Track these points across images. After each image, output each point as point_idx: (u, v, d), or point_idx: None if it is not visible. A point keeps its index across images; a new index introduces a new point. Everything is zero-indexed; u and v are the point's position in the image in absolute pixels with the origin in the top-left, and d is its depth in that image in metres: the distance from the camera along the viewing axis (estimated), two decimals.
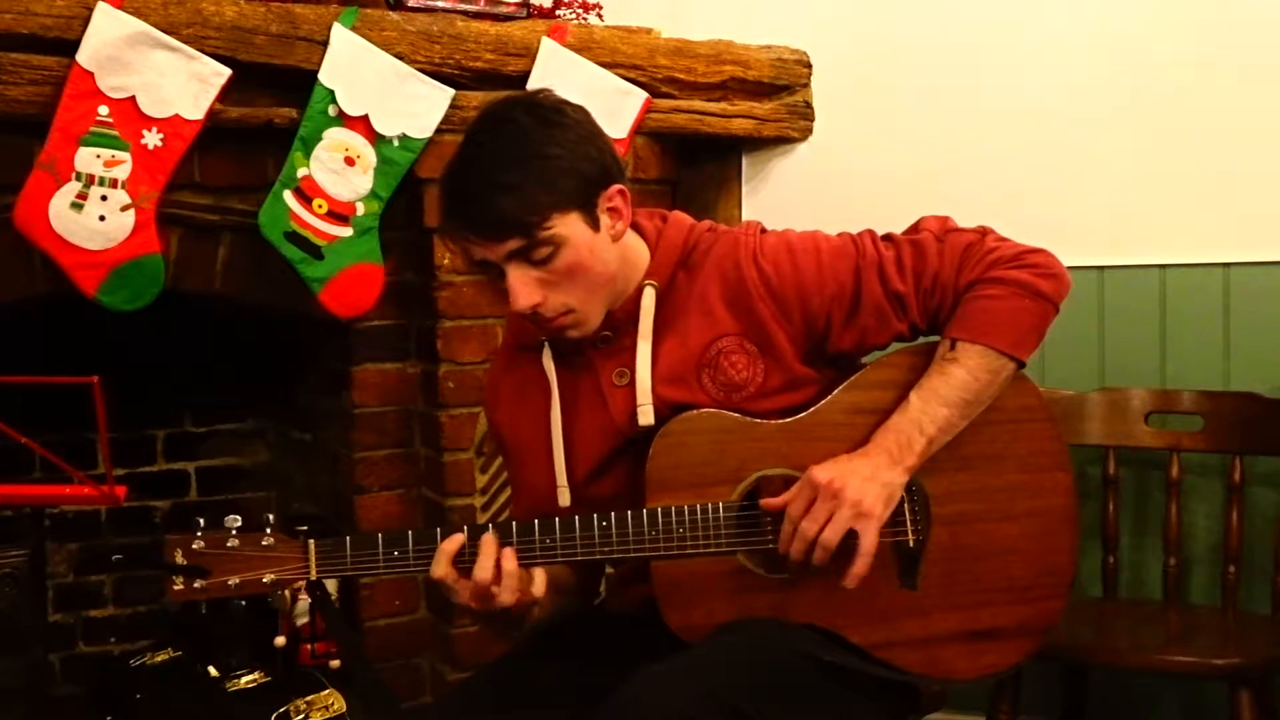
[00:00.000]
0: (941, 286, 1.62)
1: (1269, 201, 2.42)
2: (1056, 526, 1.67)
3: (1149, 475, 2.52)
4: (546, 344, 1.65)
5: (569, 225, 1.52)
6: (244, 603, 2.57)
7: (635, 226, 1.66)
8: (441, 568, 1.49)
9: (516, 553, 1.51)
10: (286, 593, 2.54)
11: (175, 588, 1.50)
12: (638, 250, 1.64)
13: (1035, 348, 1.62)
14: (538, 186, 1.49)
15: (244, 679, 2.51)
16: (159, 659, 2.69)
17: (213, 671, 2.54)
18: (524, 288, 1.52)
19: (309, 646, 2.57)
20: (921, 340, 1.68)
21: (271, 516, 1.55)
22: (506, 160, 1.51)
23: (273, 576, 1.51)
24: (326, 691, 2.43)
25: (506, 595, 1.49)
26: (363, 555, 1.52)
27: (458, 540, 1.50)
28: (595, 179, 1.54)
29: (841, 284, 1.61)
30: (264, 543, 1.51)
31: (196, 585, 1.50)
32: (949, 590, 1.63)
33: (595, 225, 1.55)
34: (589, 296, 1.56)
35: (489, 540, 1.50)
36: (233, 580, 1.50)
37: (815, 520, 1.52)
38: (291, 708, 2.39)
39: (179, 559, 1.50)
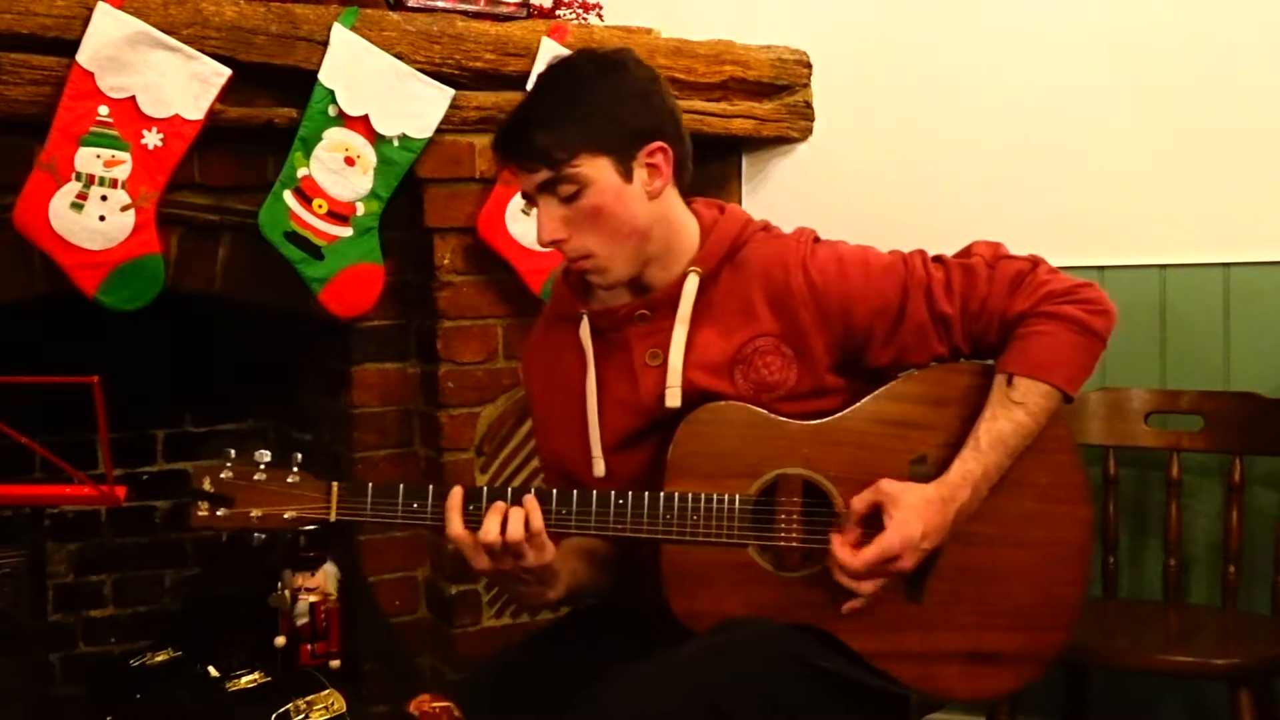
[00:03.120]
0: (989, 313, 1.62)
1: (1269, 201, 2.41)
2: (1068, 560, 1.67)
3: (1149, 475, 2.52)
4: (585, 316, 1.67)
5: (597, 169, 1.55)
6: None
7: (692, 211, 1.68)
8: (456, 525, 1.51)
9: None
10: (287, 592, 2.55)
11: (199, 513, 1.53)
12: (686, 228, 1.66)
13: (1083, 384, 1.63)
14: (571, 125, 1.55)
15: (244, 679, 2.50)
16: (159, 659, 2.68)
17: (213, 671, 2.53)
18: (549, 222, 1.58)
19: (309, 646, 2.57)
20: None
21: (300, 455, 1.57)
22: (551, 97, 1.58)
23: (294, 513, 1.54)
24: (326, 691, 2.43)
25: (516, 557, 1.51)
26: (382, 503, 1.55)
27: (459, 493, 1.53)
28: (637, 132, 1.58)
29: (887, 299, 1.62)
30: (289, 480, 1.54)
31: (220, 513, 1.53)
32: (953, 608, 1.63)
33: (628, 176, 1.58)
34: (611, 245, 1.59)
35: (499, 503, 1.51)
36: (255, 512, 1.53)
37: (877, 583, 1.55)
38: (291, 708, 2.39)
39: (206, 486, 1.53)
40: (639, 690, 1.42)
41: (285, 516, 1.54)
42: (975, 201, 2.65)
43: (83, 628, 2.99)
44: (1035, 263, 1.65)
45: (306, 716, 2.38)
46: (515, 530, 1.49)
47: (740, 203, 3.00)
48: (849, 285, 1.62)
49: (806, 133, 2.93)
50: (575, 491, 1.56)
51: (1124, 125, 2.54)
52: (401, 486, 1.55)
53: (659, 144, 1.59)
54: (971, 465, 1.58)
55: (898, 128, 2.79)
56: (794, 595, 1.59)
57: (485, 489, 1.54)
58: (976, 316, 1.63)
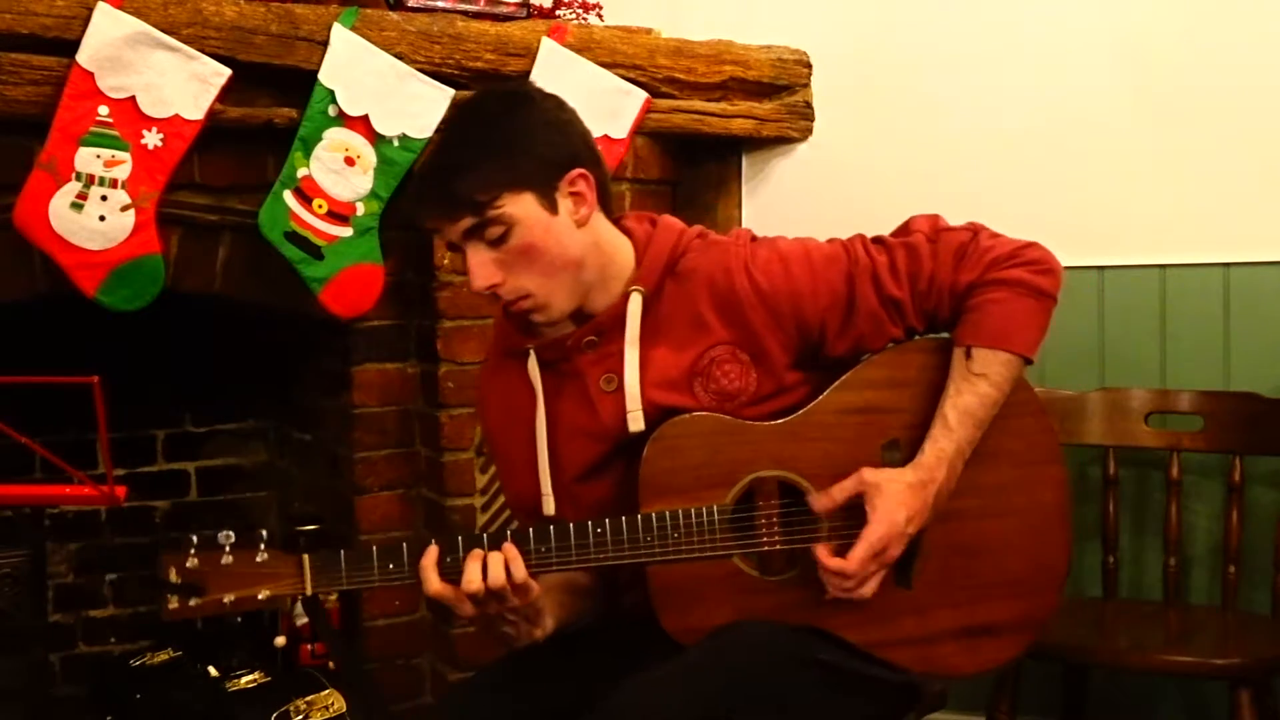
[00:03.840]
0: (938, 288, 1.62)
1: (1269, 201, 2.42)
2: (1050, 521, 1.68)
3: (1149, 475, 2.53)
4: (532, 350, 1.65)
5: (521, 206, 1.53)
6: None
7: (623, 229, 1.66)
8: (434, 583, 1.47)
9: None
10: None
11: (170, 606, 1.49)
12: (620, 250, 1.63)
13: (1040, 345, 1.63)
14: (489, 166, 1.52)
15: (244, 679, 2.51)
16: (159, 659, 2.69)
17: (213, 671, 2.53)
18: (481, 268, 1.55)
19: (309, 646, 2.57)
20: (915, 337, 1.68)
21: (265, 532, 1.52)
22: (463, 142, 1.55)
23: (268, 593, 1.49)
24: (326, 691, 2.43)
25: (501, 602, 1.48)
26: (357, 570, 1.50)
27: (433, 553, 1.49)
28: (555, 162, 1.55)
29: (835, 292, 1.61)
30: (258, 559, 1.49)
31: (191, 604, 1.48)
32: (944, 587, 1.63)
33: (553, 208, 1.55)
34: (548, 281, 1.56)
35: (476, 551, 1.48)
36: (228, 598, 1.49)
37: (869, 585, 1.55)
38: (291, 708, 2.39)
39: (173, 577, 1.48)
40: (647, 696, 1.41)
41: (259, 597, 1.49)
42: (975, 201, 2.62)
43: (83, 628, 2.99)
44: (975, 231, 1.65)
45: (306, 716, 2.38)
46: (496, 575, 1.46)
47: (740, 203, 3.00)
48: (795, 283, 1.60)
49: (806, 133, 2.93)
50: (552, 527, 1.53)
51: (1124, 125, 2.54)
52: (375, 549, 1.51)
53: (579, 171, 1.57)
54: (943, 444, 1.58)
55: (898, 128, 2.79)
56: (785, 598, 1.58)
57: (460, 538, 1.50)
58: (926, 294, 1.62)
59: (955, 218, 1.69)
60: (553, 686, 1.59)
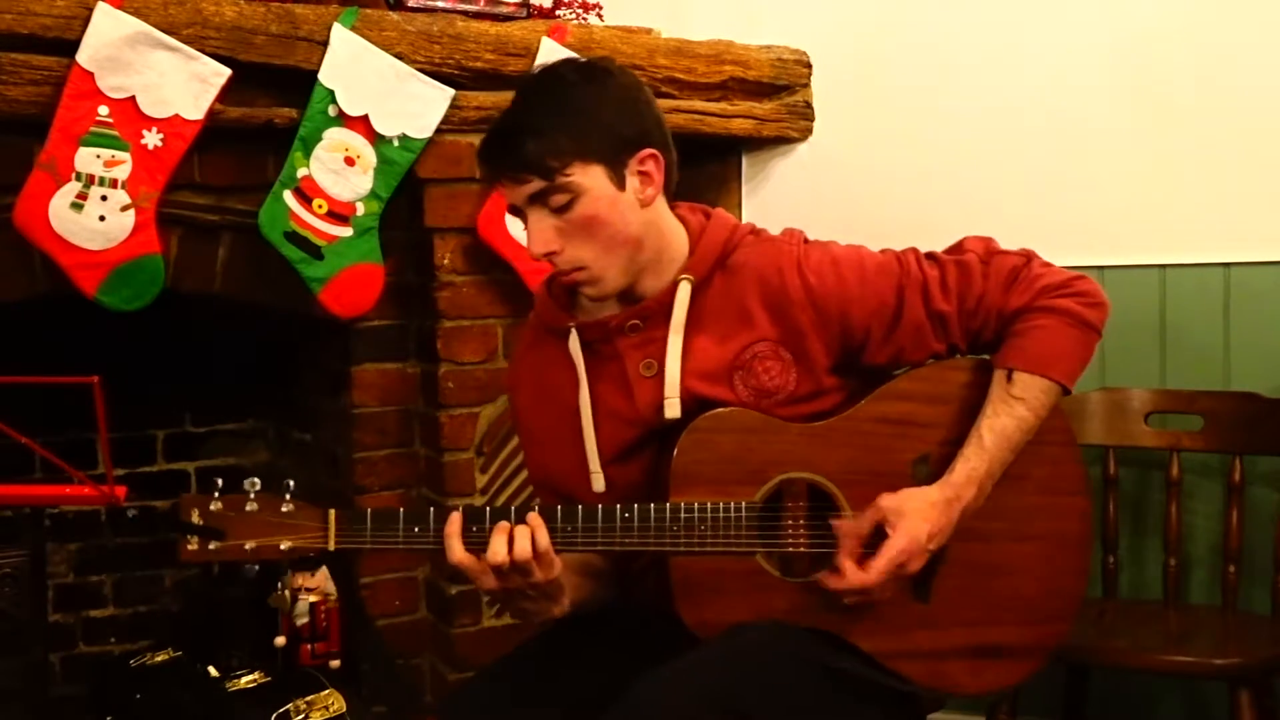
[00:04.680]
0: (986, 309, 1.63)
1: (1269, 201, 2.41)
2: (1069, 551, 1.68)
3: (1149, 475, 2.52)
4: (574, 329, 1.65)
5: (590, 177, 1.54)
6: (250, 594, 2.59)
7: (678, 217, 1.67)
8: (457, 552, 1.48)
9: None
10: (287, 593, 2.55)
11: (189, 548, 1.47)
12: (676, 236, 1.64)
13: (1081, 376, 1.64)
14: (563, 133, 1.52)
15: (244, 679, 2.50)
16: (159, 659, 2.68)
17: (213, 671, 2.53)
18: (541, 234, 1.55)
19: (309, 646, 2.57)
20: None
21: (292, 483, 1.51)
22: (539, 107, 1.55)
23: (290, 543, 1.48)
24: (326, 691, 2.43)
25: (524, 576, 1.48)
26: (382, 529, 1.50)
27: (457, 519, 1.49)
28: (627, 139, 1.56)
29: (883, 300, 1.62)
30: (284, 509, 1.48)
31: (211, 547, 1.47)
32: (959, 605, 1.63)
33: (620, 184, 1.56)
34: (605, 255, 1.57)
35: (503, 523, 1.49)
36: (249, 544, 1.47)
37: (889, 590, 1.56)
38: (291, 708, 2.39)
39: (195, 519, 1.47)
40: (659, 694, 1.42)
41: (281, 547, 1.47)
42: (975, 201, 2.65)
43: (83, 628, 2.99)
44: (1029, 257, 1.66)
45: (306, 716, 2.38)
46: (522, 549, 1.46)
47: (740, 203, 3.00)
48: (845, 287, 1.61)
49: (806, 133, 2.93)
50: (580, 507, 1.53)
51: (1124, 125, 2.54)
52: (401, 512, 1.51)
53: (650, 150, 1.58)
54: (975, 463, 1.58)
55: (898, 128, 2.79)
56: (803, 600, 1.59)
57: (488, 510, 1.50)
58: (973, 313, 1.63)
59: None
60: (560, 683, 1.59)
